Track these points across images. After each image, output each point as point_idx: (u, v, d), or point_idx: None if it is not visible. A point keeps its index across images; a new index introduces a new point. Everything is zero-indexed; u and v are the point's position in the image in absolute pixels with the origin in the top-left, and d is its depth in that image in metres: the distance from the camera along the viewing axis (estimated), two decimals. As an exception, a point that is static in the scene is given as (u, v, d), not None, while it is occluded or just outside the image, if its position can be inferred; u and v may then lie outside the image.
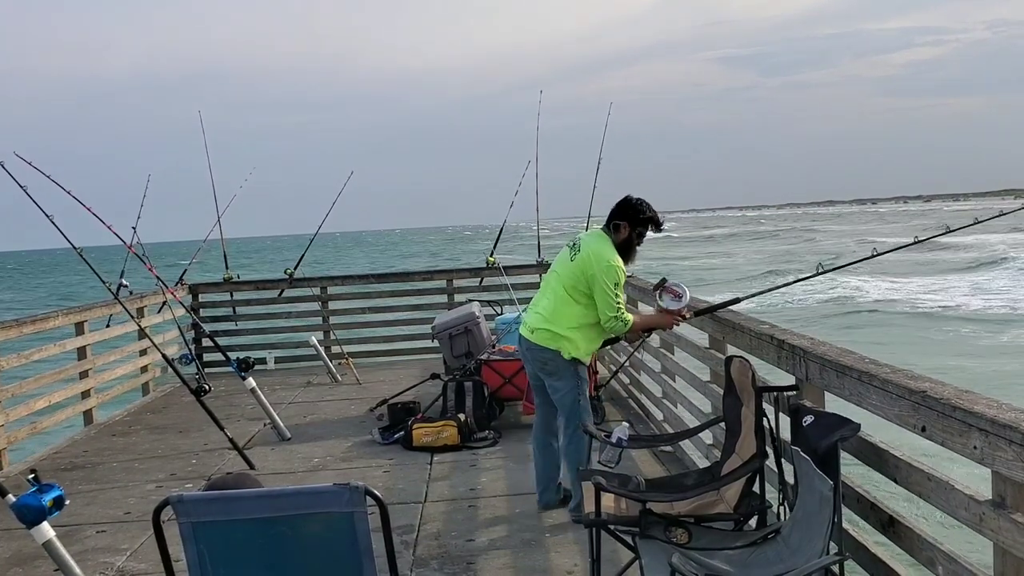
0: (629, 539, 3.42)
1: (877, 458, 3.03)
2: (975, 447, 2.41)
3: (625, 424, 4.21)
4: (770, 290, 6.58)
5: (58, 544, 3.88)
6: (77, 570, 3.93)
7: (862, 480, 3.30)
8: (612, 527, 3.46)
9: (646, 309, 6.94)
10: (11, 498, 3.87)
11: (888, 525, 3.00)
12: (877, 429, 3.15)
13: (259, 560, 2.15)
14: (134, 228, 9.00)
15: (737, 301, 5.23)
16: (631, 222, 4.97)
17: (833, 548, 2.87)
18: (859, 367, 3.13)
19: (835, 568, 2.94)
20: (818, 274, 5.06)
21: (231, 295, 11.47)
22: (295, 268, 11.36)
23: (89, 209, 7.20)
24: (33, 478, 3.94)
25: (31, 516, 3.79)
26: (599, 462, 3.98)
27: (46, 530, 3.84)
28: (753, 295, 5.68)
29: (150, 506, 5.53)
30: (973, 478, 2.77)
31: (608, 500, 3.61)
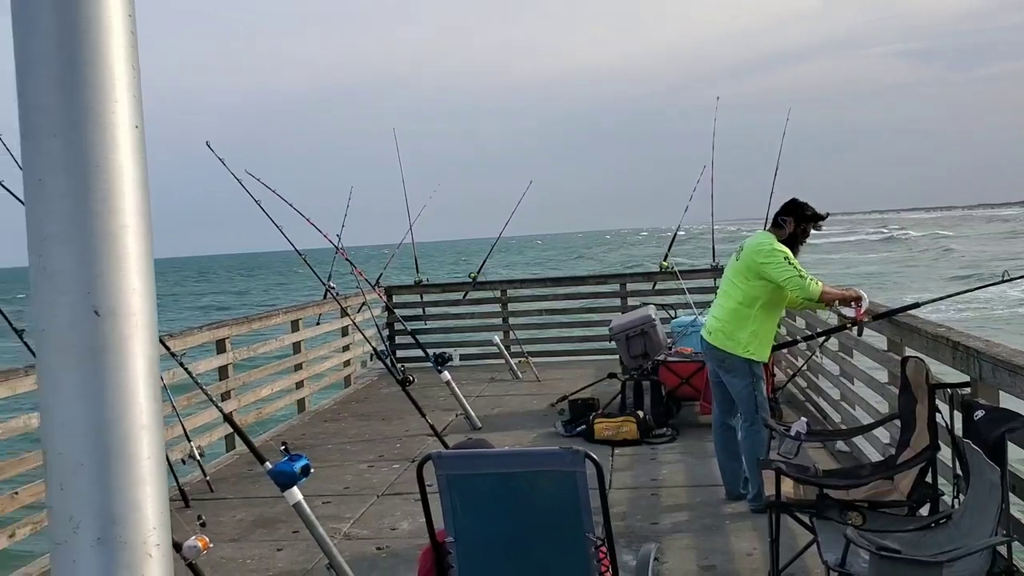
0: (807, 520, 3.77)
1: (1047, 451, 3.26)
2: None
3: (803, 419, 4.53)
4: (951, 295, 6.63)
5: (306, 506, 4.60)
6: (320, 528, 4.64)
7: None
8: (791, 509, 3.82)
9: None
10: (268, 465, 4.63)
11: (1057, 513, 3.22)
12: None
13: (498, 508, 2.67)
14: (338, 235, 9.97)
15: (917, 306, 5.43)
16: (796, 218, 5.31)
17: (1002, 533, 3.13)
18: (1032, 367, 3.36)
19: (1002, 550, 3.19)
20: (1003, 281, 5.21)
21: (421, 296, 12.37)
22: (478, 272, 12.12)
23: (308, 220, 8.09)
24: (284, 449, 4.70)
25: (285, 480, 4.53)
26: (778, 453, 4.33)
27: (296, 493, 4.57)
28: (933, 300, 5.81)
29: (365, 482, 6.35)
30: None
31: (787, 485, 3.97)
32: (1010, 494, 3.21)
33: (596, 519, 2.70)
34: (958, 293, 6.70)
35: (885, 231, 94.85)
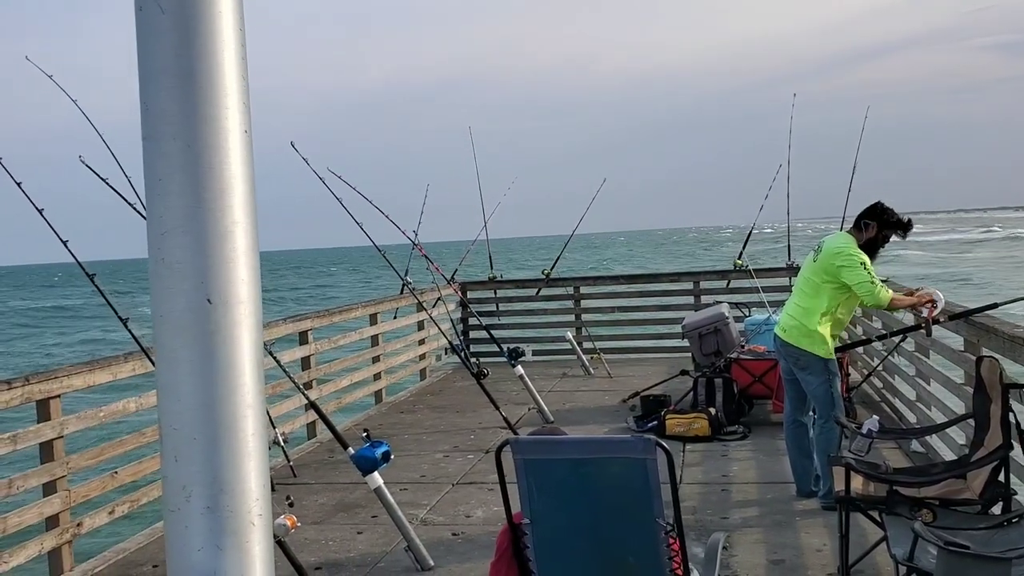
0: (877, 516, 3.79)
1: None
2: None
3: (875, 417, 4.53)
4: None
5: (386, 491, 4.80)
6: (399, 512, 4.83)
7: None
8: (861, 505, 3.84)
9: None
10: (351, 450, 4.83)
11: None
12: None
13: (572, 492, 2.79)
14: (415, 231, 10.19)
15: (995, 306, 5.36)
16: (880, 224, 5.29)
17: (1076, 533, 3.12)
18: (1109, 368, 3.33)
19: (1077, 550, 3.17)
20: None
21: (495, 292, 12.54)
22: (551, 268, 12.23)
23: (387, 216, 8.30)
24: (366, 436, 4.90)
25: (367, 465, 4.73)
26: (849, 451, 4.34)
27: (377, 478, 4.76)
28: (1012, 301, 5.71)
29: (440, 471, 6.53)
30: None
31: (857, 482, 3.99)
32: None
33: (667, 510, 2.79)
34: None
35: (998, 229, 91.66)
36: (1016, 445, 3.79)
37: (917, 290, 5.52)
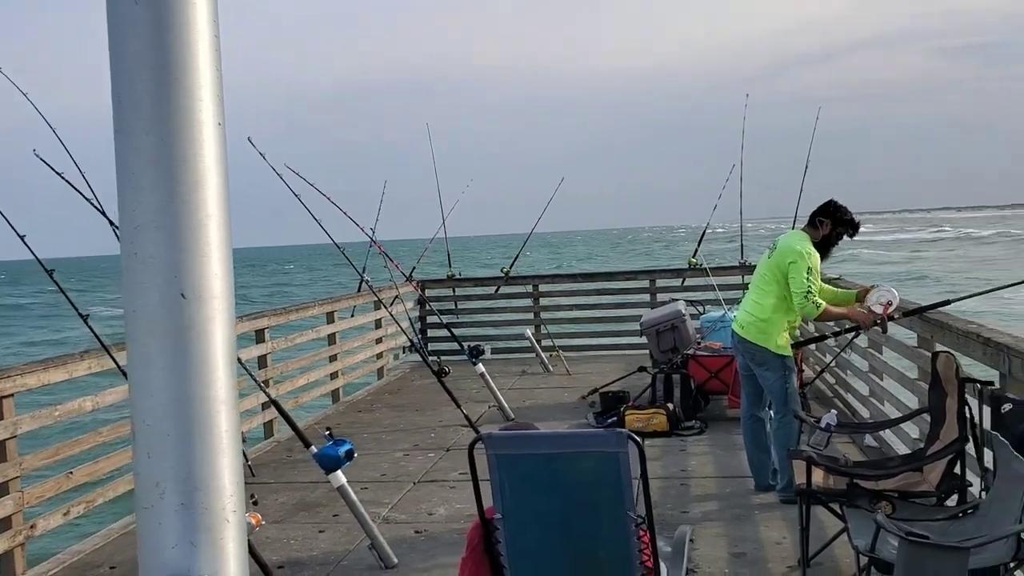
0: (837, 508, 3.85)
1: (1074, 443, 3.32)
2: None
3: (833, 411, 4.62)
4: (981, 293, 6.64)
5: (349, 489, 4.76)
6: (362, 508, 4.79)
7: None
8: (822, 498, 3.91)
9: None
10: (314, 449, 4.79)
11: (1083, 503, 3.28)
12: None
13: (545, 487, 2.80)
14: (372, 229, 10.13)
15: (947, 303, 5.47)
16: (834, 221, 5.39)
17: (1029, 522, 3.20)
18: (1060, 362, 3.43)
19: (1029, 539, 3.26)
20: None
21: (453, 290, 12.52)
22: (510, 267, 12.25)
23: (346, 214, 8.20)
24: (328, 434, 4.86)
25: (330, 464, 4.69)
26: (808, 444, 4.42)
27: (340, 477, 4.72)
28: (964, 297, 5.84)
29: (401, 470, 6.51)
30: None
31: (818, 475, 4.06)
32: (1037, 484, 3.28)
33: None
34: (990, 291, 6.69)
35: (949, 229, 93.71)
36: (971, 438, 3.88)
37: (871, 287, 5.61)
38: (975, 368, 4.49)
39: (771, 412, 5.62)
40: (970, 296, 6.00)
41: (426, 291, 12.40)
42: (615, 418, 7.63)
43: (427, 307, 11.38)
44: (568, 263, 67.70)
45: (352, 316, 10.40)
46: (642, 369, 8.79)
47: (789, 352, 5.48)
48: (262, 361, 8.01)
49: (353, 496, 4.76)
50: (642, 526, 2.72)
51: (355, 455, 4.78)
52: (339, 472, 4.71)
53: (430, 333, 12.18)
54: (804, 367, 8.59)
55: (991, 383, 3.99)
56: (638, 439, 2.68)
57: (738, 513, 5.33)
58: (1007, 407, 3.45)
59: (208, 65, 1.47)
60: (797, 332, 5.63)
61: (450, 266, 12.29)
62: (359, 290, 10.24)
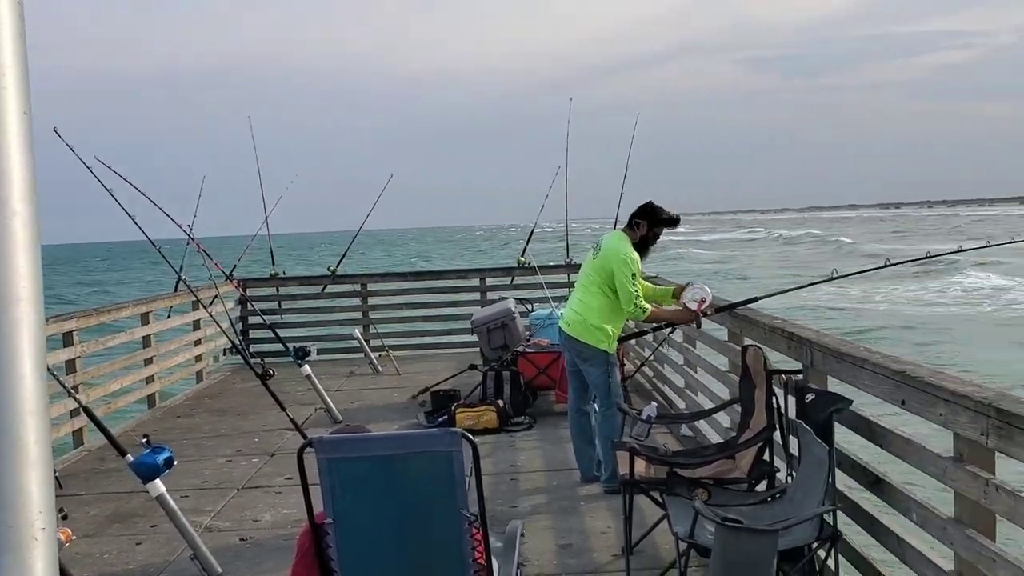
0: (658, 496, 4.03)
1: (867, 428, 3.62)
2: (940, 414, 3.00)
3: (653, 403, 4.82)
4: (785, 291, 7.11)
5: (168, 498, 4.54)
6: (182, 517, 4.58)
7: (856, 447, 3.88)
8: (643, 487, 4.07)
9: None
10: (130, 457, 4.53)
11: (874, 483, 3.59)
12: (868, 405, 3.73)
13: (378, 489, 2.77)
14: (190, 226, 9.70)
15: (755, 300, 5.83)
16: (650, 222, 5.63)
17: (828, 503, 3.47)
18: (854, 354, 3.73)
19: (829, 518, 3.53)
20: (833, 279, 5.67)
21: (277, 290, 12.17)
22: (337, 265, 12.05)
23: (162, 209, 7.79)
24: (146, 441, 4.61)
25: (148, 472, 4.45)
26: (630, 436, 4.59)
27: (159, 486, 4.49)
28: (770, 295, 6.24)
29: (224, 476, 6.28)
30: (939, 440, 3.34)
31: (640, 465, 4.23)
32: (836, 469, 3.56)
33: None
34: (791, 289, 7.18)
35: (763, 231, 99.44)
36: (778, 427, 4.16)
37: (686, 285, 5.88)
38: (779, 360, 4.80)
39: (596, 406, 5.81)
40: (775, 294, 6.42)
41: (248, 290, 12.00)
42: (446, 416, 7.66)
43: (249, 307, 11.00)
44: (401, 263, 67.32)
45: (169, 317, 9.92)
46: (473, 367, 8.87)
47: (613, 349, 5.67)
48: (70, 366, 7.50)
49: (173, 505, 4.55)
50: (475, 524, 2.74)
51: (175, 462, 4.56)
52: (158, 481, 4.48)
53: (253, 334, 11.80)
54: (625, 361, 8.94)
55: (800, 371, 4.29)
56: (471, 438, 2.70)
57: (565, 505, 5.48)
58: (810, 396, 3.72)
59: (12, 47, 1.37)
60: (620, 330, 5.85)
61: (273, 264, 11.95)
62: (176, 289, 9.77)
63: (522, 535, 3.50)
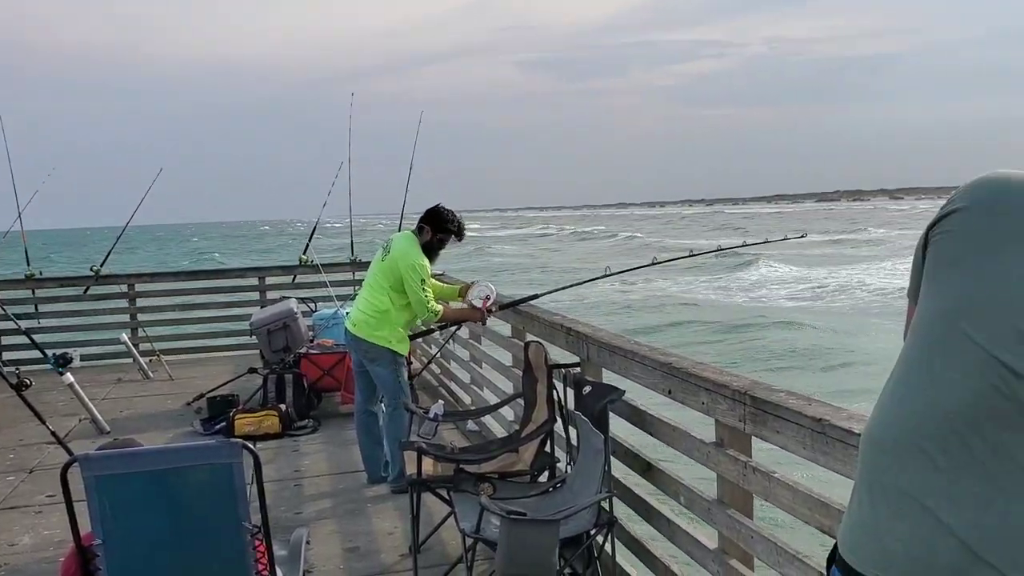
0: (445, 494, 4.08)
1: (638, 417, 3.84)
2: (703, 402, 3.23)
3: (440, 402, 4.87)
4: (562, 288, 7.38)
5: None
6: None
7: (629, 435, 4.10)
8: (431, 485, 4.11)
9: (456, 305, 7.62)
10: None
11: (646, 469, 3.82)
12: (639, 395, 3.96)
13: (153, 506, 2.61)
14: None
15: (535, 297, 6.03)
16: (435, 228, 5.67)
17: (605, 490, 3.65)
18: (626, 347, 3.94)
19: (605, 505, 3.72)
20: (607, 276, 5.97)
21: (33, 292, 11.21)
22: (102, 265, 11.25)
23: None
24: None
25: None
26: (418, 435, 4.62)
27: None
28: (549, 292, 6.46)
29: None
30: (703, 427, 3.60)
31: (427, 464, 4.26)
32: (612, 457, 3.75)
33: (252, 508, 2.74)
34: (570, 286, 7.46)
35: (553, 227, 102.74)
36: (559, 419, 4.32)
37: (471, 283, 6.00)
38: (559, 354, 4.99)
39: (383, 406, 5.79)
40: (554, 291, 6.65)
41: (-1, 293, 10.97)
42: (224, 423, 7.36)
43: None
44: (182, 259, 63.69)
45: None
46: (252, 370, 8.55)
47: (403, 350, 5.67)
48: None
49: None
50: (258, 535, 2.66)
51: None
52: None
53: (5, 341, 10.80)
54: (412, 359, 8.95)
55: (578, 365, 4.47)
56: (252, 448, 2.61)
57: (352, 508, 5.42)
58: (587, 389, 3.90)
59: None
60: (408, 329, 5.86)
61: (28, 264, 10.98)
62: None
63: (308, 542, 3.43)
